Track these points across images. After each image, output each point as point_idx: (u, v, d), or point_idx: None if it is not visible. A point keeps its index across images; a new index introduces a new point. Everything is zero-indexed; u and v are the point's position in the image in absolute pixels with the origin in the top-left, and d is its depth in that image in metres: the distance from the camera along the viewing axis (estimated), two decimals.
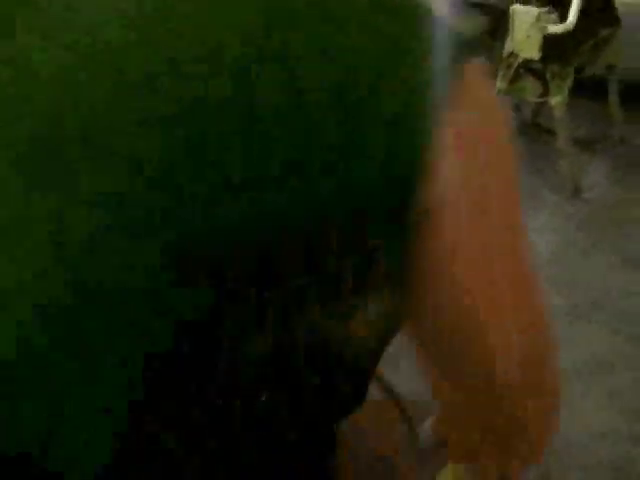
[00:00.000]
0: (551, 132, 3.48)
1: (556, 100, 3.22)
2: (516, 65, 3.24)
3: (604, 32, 3.36)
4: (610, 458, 2.04)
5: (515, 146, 0.60)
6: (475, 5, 1.29)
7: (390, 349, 1.61)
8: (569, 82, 3.22)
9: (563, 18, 3.06)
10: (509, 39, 3.18)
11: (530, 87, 3.30)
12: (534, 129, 3.75)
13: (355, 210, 0.53)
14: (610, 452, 2.06)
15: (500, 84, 3.25)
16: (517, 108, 3.72)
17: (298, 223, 0.51)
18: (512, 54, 3.22)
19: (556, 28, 3.03)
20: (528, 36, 3.11)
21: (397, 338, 1.59)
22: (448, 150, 0.52)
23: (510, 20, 3.11)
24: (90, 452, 0.53)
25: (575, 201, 3.28)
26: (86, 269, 0.48)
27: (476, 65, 0.55)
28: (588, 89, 3.50)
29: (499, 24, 1.20)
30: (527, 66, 3.27)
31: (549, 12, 3.07)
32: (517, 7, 3.09)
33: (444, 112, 0.51)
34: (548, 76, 3.20)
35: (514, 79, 3.27)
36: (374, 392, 1.47)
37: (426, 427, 0.86)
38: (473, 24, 1.32)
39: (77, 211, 0.47)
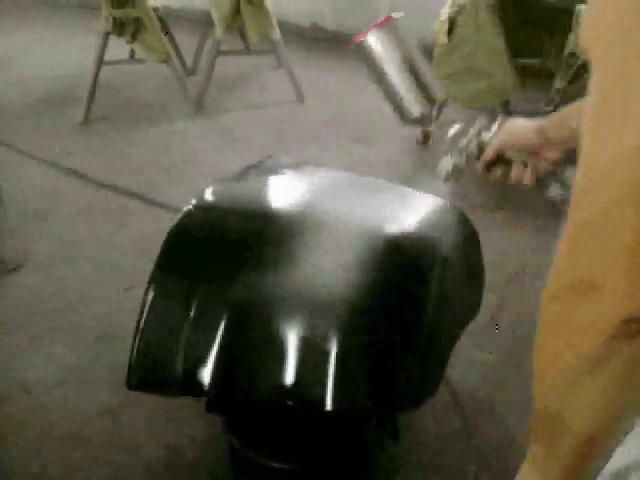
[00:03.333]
0: None
1: None
2: (577, 66, 3.18)
3: None
4: None
5: None
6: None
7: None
8: None
9: None
10: (570, 39, 3.14)
11: None
12: None
13: None
14: None
15: (559, 83, 3.22)
16: None
17: None
18: (573, 55, 3.17)
19: None
20: None
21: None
22: None
23: (574, 20, 3.06)
24: None
25: None
26: None
27: None
28: None
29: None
30: (588, 67, 3.22)
31: None
32: (583, 7, 3.04)
33: None
34: None
35: (573, 80, 3.22)
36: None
37: None
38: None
39: None
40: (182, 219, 1.40)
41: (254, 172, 1.65)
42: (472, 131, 1.26)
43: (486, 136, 1.23)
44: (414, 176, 3.27)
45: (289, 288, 1.29)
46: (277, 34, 3.91)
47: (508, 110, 3.43)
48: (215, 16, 3.96)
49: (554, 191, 1.26)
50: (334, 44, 4.94)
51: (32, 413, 2.03)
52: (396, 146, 3.56)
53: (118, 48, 3.92)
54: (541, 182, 1.24)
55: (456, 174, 1.28)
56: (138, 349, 1.29)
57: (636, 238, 0.58)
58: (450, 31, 3.21)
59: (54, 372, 2.17)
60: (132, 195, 3.15)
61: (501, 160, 1.23)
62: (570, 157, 1.21)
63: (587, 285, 0.63)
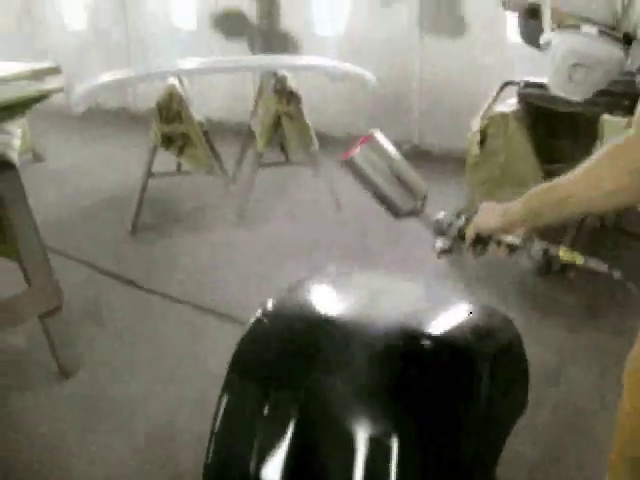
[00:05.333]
0: (637, 237, 3.54)
1: None
2: None
3: None
4: None
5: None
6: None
7: None
8: None
9: None
10: (597, 146, 3.30)
11: None
12: (617, 233, 3.78)
13: None
14: None
15: None
16: None
17: None
18: None
19: None
20: None
21: None
22: None
23: (599, 128, 3.23)
24: None
25: None
26: None
27: None
28: None
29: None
30: None
31: None
32: (606, 116, 3.21)
33: None
34: None
35: None
36: None
37: None
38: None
39: None
40: (252, 327, 1.52)
41: (311, 282, 1.78)
42: (450, 218, 1.54)
43: (462, 221, 1.52)
44: (449, 277, 3.39)
45: (350, 389, 1.40)
46: (316, 147, 4.12)
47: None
48: (256, 130, 4.20)
49: (525, 262, 1.49)
50: None
51: None
52: (430, 249, 3.67)
53: (163, 159, 4.16)
54: (514, 254, 1.49)
55: (445, 253, 1.55)
56: (214, 450, 1.40)
57: None
58: (482, 142, 3.40)
59: (107, 471, 2.26)
60: (180, 302, 3.29)
61: (480, 239, 1.50)
62: (537, 232, 1.48)
63: None
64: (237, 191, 4.35)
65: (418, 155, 5.18)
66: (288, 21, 5.71)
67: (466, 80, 4.88)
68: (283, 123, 3.99)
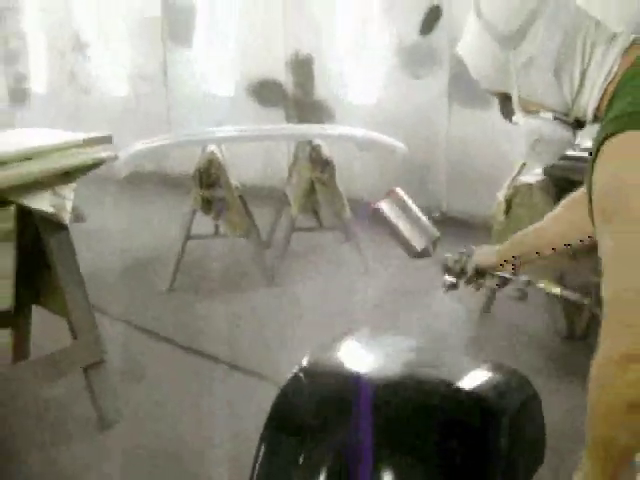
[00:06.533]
0: None
1: None
2: None
3: None
4: None
5: None
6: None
7: None
8: None
9: None
10: None
11: None
12: None
13: None
14: None
15: None
16: None
17: None
18: None
19: None
20: None
21: None
22: None
23: None
24: None
25: None
26: None
27: None
28: None
29: None
30: None
31: None
32: None
33: None
34: None
35: None
36: None
37: None
38: None
39: None
40: (288, 383, 1.64)
41: (344, 341, 1.91)
42: (457, 257, 1.91)
43: (464, 259, 1.89)
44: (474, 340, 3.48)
45: (382, 443, 1.52)
46: (348, 213, 4.28)
47: (562, 280, 3.67)
48: (291, 196, 4.37)
49: (514, 292, 1.88)
50: None
51: None
52: (458, 313, 3.78)
53: (198, 222, 4.33)
54: (504, 286, 1.87)
55: (451, 288, 1.92)
56: None
57: None
58: (507, 210, 3.53)
59: None
60: (215, 359, 3.42)
61: (478, 273, 1.87)
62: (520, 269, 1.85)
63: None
64: (271, 254, 4.51)
65: (446, 221, 5.31)
66: (322, 91, 5.94)
67: (492, 149, 5.04)
68: (317, 190, 4.16)
